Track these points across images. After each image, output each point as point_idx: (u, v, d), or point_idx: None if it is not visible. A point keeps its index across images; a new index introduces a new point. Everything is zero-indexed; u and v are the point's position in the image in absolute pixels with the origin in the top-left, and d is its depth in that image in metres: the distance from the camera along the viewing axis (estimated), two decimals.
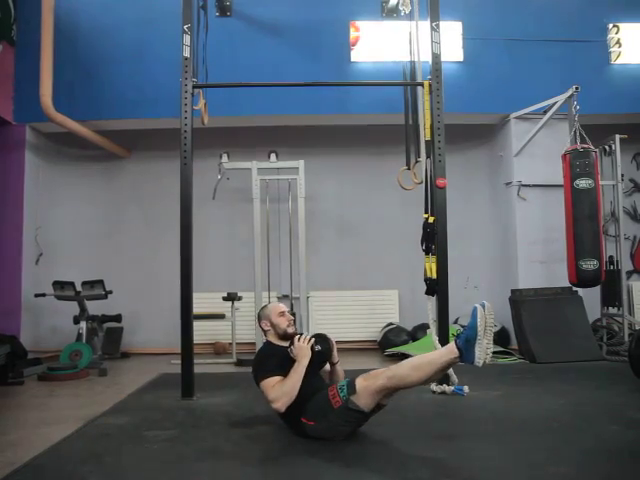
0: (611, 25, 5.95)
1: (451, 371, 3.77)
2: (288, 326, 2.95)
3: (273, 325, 2.97)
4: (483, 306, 2.50)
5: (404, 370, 2.55)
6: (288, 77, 5.36)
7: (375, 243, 6.50)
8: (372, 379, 2.57)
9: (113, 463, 2.45)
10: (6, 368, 4.48)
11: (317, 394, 2.73)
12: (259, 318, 3.05)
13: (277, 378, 2.71)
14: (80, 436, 2.91)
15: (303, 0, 5.94)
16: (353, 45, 5.86)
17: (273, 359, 2.82)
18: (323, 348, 2.86)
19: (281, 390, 2.65)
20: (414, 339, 5.90)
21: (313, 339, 2.84)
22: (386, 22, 5.88)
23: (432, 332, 3.89)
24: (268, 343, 3.00)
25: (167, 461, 2.48)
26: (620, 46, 5.92)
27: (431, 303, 3.92)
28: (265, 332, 3.02)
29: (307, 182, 5.73)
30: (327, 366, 3.02)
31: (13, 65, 5.85)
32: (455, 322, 6.11)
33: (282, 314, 2.99)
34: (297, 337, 2.83)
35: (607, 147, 5.88)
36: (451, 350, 2.51)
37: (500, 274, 6.30)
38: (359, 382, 2.58)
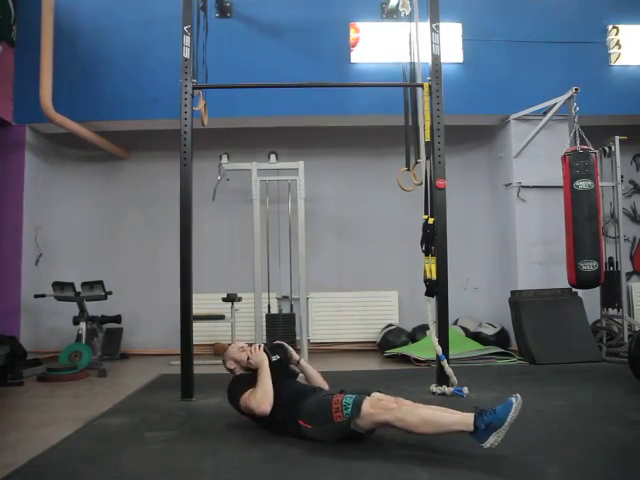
0: (611, 26, 5.96)
1: (450, 372, 3.78)
2: (248, 363, 3.03)
3: (237, 362, 3.10)
4: (517, 401, 2.40)
5: (414, 419, 2.47)
6: (288, 78, 5.36)
7: (375, 244, 6.51)
8: (380, 410, 2.51)
9: (113, 464, 2.45)
10: (6, 369, 4.47)
11: (312, 396, 2.77)
12: (224, 362, 3.17)
13: (250, 390, 2.85)
14: (80, 437, 2.91)
15: (303, 1, 5.95)
16: (353, 46, 5.87)
17: (242, 381, 2.98)
18: (280, 355, 3.07)
19: (258, 395, 2.79)
20: (414, 340, 5.90)
21: (263, 345, 3.06)
22: (386, 23, 5.88)
23: (432, 333, 3.89)
24: (237, 376, 3.10)
25: (167, 462, 2.48)
26: (620, 47, 5.93)
27: (431, 304, 3.92)
28: (232, 371, 3.13)
29: (307, 183, 5.74)
30: (301, 374, 3.17)
31: (13, 66, 5.85)
32: (455, 323, 6.12)
33: (242, 349, 3.12)
34: (249, 349, 3.04)
35: (607, 148, 5.89)
36: (468, 424, 2.39)
37: (500, 275, 6.30)
38: (366, 407, 2.53)
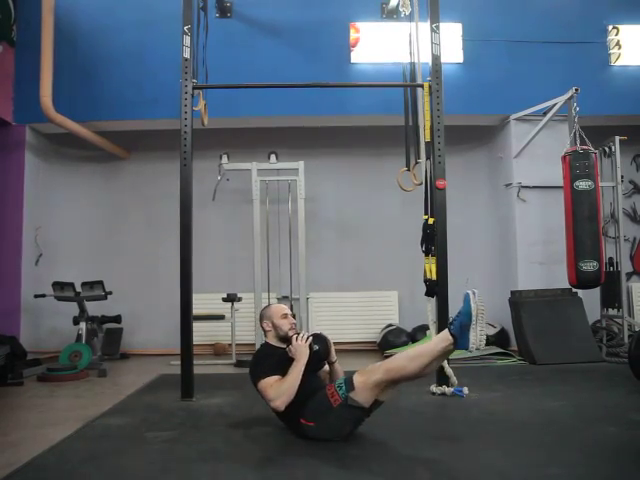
0: (611, 27, 5.95)
1: (450, 372, 3.78)
2: (290, 329, 2.92)
3: (275, 326, 2.93)
4: (474, 293, 2.57)
5: (400, 362, 2.58)
6: (288, 78, 5.36)
7: (375, 244, 6.50)
8: (369, 374, 2.59)
9: (113, 464, 2.45)
10: (6, 369, 4.47)
11: (315, 394, 2.73)
12: (261, 318, 3.02)
13: (275, 377, 2.70)
14: (80, 437, 2.91)
15: (303, 1, 5.95)
16: (353, 46, 5.86)
17: (271, 359, 2.81)
18: (321, 348, 2.84)
19: (280, 389, 2.65)
20: (414, 340, 5.90)
21: (311, 338, 2.83)
22: (386, 23, 5.88)
23: (432, 333, 3.89)
24: (266, 344, 2.97)
25: (167, 462, 2.47)
26: (620, 48, 5.92)
27: (431, 304, 3.92)
28: (266, 332, 2.98)
29: (307, 183, 5.74)
30: (326, 366, 3.00)
31: (13, 66, 5.85)
32: None
33: (285, 316, 2.96)
34: (295, 336, 2.82)
35: (607, 148, 5.89)
36: (445, 337, 2.53)
37: (500, 275, 6.30)
38: (356, 378, 2.60)
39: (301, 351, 2.75)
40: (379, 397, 2.62)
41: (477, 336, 2.44)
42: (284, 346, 2.87)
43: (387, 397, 2.66)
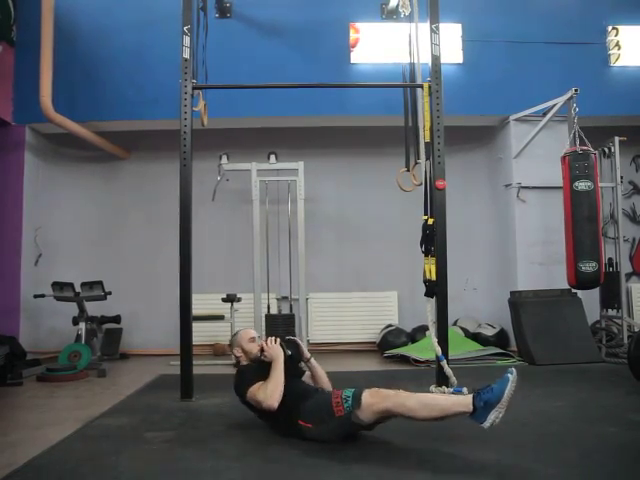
0: (610, 27, 5.96)
1: (450, 373, 3.77)
2: (259, 351, 2.99)
3: (245, 352, 3.04)
4: (512, 374, 2.44)
5: (413, 404, 2.51)
6: (288, 78, 5.36)
7: (374, 244, 6.50)
8: (379, 399, 2.54)
9: (112, 464, 2.45)
10: (5, 369, 4.47)
11: (314, 396, 2.77)
12: (231, 347, 3.13)
13: (259, 383, 2.80)
14: (79, 437, 2.91)
15: (303, 1, 5.95)
16: (353, 47, 5.87)
17: (250, 371, 2.94)
18: (293, 351, 2.99)
19: (267, 389, 2.73)
20: (413, 341, 5.90)
21: (279, 339, 2.97)
22: (386, 24, 5.88)
23: (431, 334, 3.89)
24: (243, 365, 3.06)
25: (166, 462, 2.47)
26: (619, 48, 5.93)
27: (430, 305, 3.91)
28: (238, 359, 3.09)
29: (306, 183, 5.74)
30: (308, 372, 3.12)
31: (13, 66, 5.85)
32: (454, 324, 6.12)
33: (252, 339, 3.07)
34: (264, 342, 2.95)
35: (606, 149, 5.90)
36: (466, 404, 2.43)
37: (499, 276, 6.30)
38: (365, 398, 2.56)
39: (275, 352, 2.87)
40: (381, 421, 2.63)
41: (496, 416, 2.35)
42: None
43: (388, 420, 2.65)
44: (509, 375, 2.42)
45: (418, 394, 2.60)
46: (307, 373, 3.14)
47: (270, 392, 2.71)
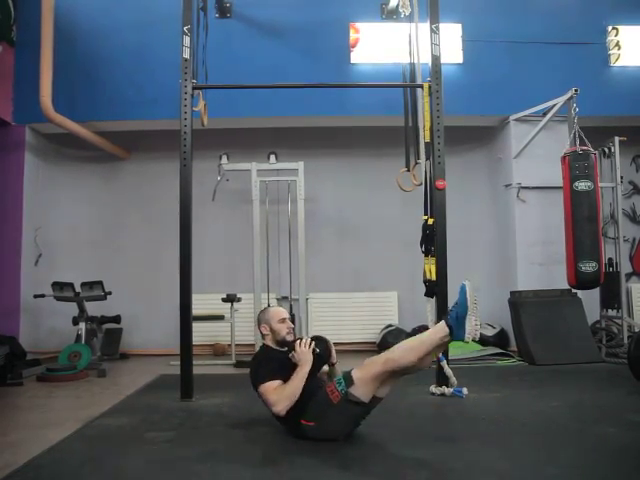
0: (610, 27, 5.96)
1: (450, 373, 3.78)
2: (287, 334, 2.92)
3: (272, 331, 2.94)
4: (465, 282, 2.65)
5: (398, 353, 2.60)
6: (288, 78, 5.37)
7: (374, 244, 6.50)
8: (367, 367, 2.61)
9: (112, 464, 2.45)
10: (5, 369, 4.47)
11: (315, 395, 2.73)
12: (259, 321, 3.01)
13: (277, 382, 2.70)
14: (79, 437, 2.91)
15: (303, 1, 5.95)
16: (353, 47, 5.87)
17: (272, 363, 2.80)
18: (321, 350, 2.84)
19: (282, 394, 2.65)
20: None
21: (313, 342, 2.82)
22: (386, 24, 5.88)
23: None
24: (266, 347, 2.96)
25: (166, 462, 2.47)
26: (619, 48, 5.93)
27: (430, 305, 3.92)
28: (263, 336, 2.98)
29: (306, 183, 5.74)
30: (325, 367, 3.00)
31: (13, 66, 5.85)
32: None
33: (283, 320, 2.96)
34: (298, 342, 2.81)
35: (606, 149, 5.90)
36: (442, 328, 2.59)
37: (499, 276, 6.30)
38: (355, 373, 2.61)
39: (306, 358, 2.73)
40: (378, 393, 2.63)
41: (472, 326, 2.51)
42: (284, 349, 2.88)
43: (385, 393, 2.67)
44: (463, 283, 2.62)
45: (397, 344, 2.69)
46: (324, 368, 3.00)
47: (284, 398, 2.62)
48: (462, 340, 2.53)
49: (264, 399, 2.72)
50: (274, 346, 2.95)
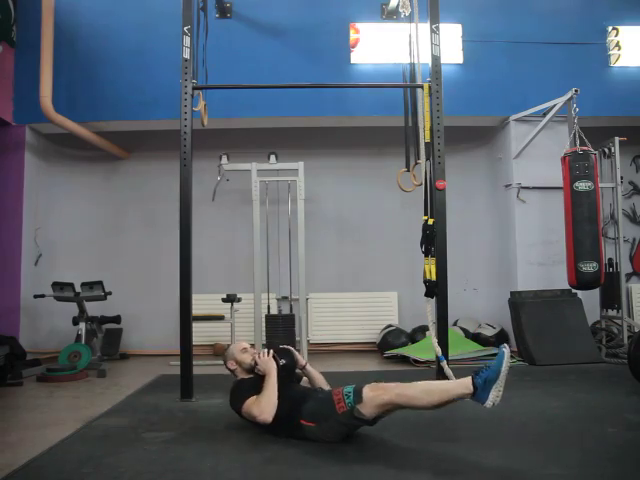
0: (610, 28, 5.95)
1: (450, 373, 3.78)
2: (252, 360, 3.01)
3: (239, 363, 3.06)
4: (506, 348, 2.46)
5: (415, 392, 2.53)
6: (288, 79, 5.37)
7: (375, 245, 6.51)
8: (380, 391, 2.55)
9: (112, 464, 2.45)
10: (5, 369, 4.47)
11: (314, 396, 2.79)
12: (225, 362, 3.13)
13: (252, 397, 2.80)
14: (79, 437, 2.91)
15: (303, 2, 5.95)
16: (353, 47, 5.86)
17: (243, 386, 2.95)
18: (287, 360, 2.99)
19: (261, 403, 2.74)
20: (413, 341, 5.90)
21: (272, 351, 2.99)
22: (386, 24, 5.88)
23: (431, 334, 3.89)
24: (238, 380, 3.07)
25: (166, 462, 2.47)
26: (619, 49, 5.92)
27: (430, 305, 3.92)
28: (233, 372, 3.10)
29: (307, 184, 5.74)
30: (305, 378, 3.16)
31: (13, 66, 5.84)
32: (454, 324, 6.12)
33: (245, 350, 3.09)
34: (257, 355, 2.98)
35: (606, 149, 5.90)
36: (466, 385, 2.44)
37: (499, 276, 6.30)
38: (366, 392, 2.57)
39: (268, 365, 2.88)
40: (383, 414, 2.62)
41: (496, 394, 2.38)
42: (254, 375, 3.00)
43: (389, 415, 2.66)
44: (503, 349, 2.45)
45: (418, 382, 2.62)
46: (304, 379, 3.18)
47: (263, 406, 2.72)
48: (482, 404, 2.40)
49: (249, 416, 2.79)
50: (246, 376, 3.05)
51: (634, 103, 5.88)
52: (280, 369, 2.90)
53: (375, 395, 2.55)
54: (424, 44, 4.18)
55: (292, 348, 3.15)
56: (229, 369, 3.11)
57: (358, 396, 2.57)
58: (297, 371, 3.16)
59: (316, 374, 3.17)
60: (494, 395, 2.38)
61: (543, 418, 3.12)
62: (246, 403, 2.80)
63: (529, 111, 5.73)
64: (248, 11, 5.89)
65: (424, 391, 2.53)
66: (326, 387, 3.09)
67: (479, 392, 2.40)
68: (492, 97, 5.88)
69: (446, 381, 2.59)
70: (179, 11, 3.95)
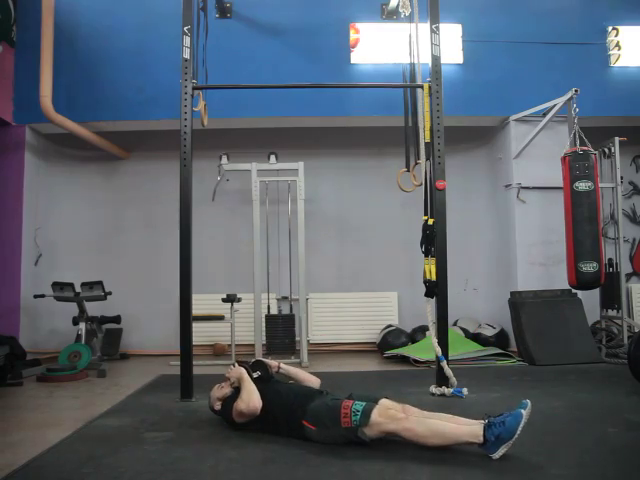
0: (610, 28, 5.96)
1: (450, 373, 3.78)
2: (229, 384, 3.06)
3: (222, 399, 3.08)
4: (525, 409, 2.41)
5: (423, 430, 2.48)
6: (288, 79, 5.37)
7: (374, 245, 6.50)
8: (389, 419, 2.51)
9: (112, 464, 2.45)
10: (5, 369, 4.47)
11: (320, 398, 2.79)
12: (212, 407, 3.14)
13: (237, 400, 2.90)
14: (79, 437, 2.91)
15: (303, 2, 5.95)
16: (353, 47, 5.86)
17: (228, 401, 2.99)
18: (261, 371, 3.10)
19: (243, 397, 2.83)
20: (413, 341, 5.90)
21: (236, 363, 3.13)
22: (386, 24, 5.88)
23: (431, 334, 3.89)
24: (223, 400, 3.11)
25: (166, 462, 2.47)
26: (619, 49, 5.92)
27: (430, 305, 3.91)
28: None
29: (307, 184, 5.74)
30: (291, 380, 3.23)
31: (13, 66, 5.85)
32: (454, 324, 6.12)
33: (221, 386, 3.12)
34: (228, 373, 3.08)
35: (606, 149, 5.89)
36: (477, 435, 2.39)
37: (499, 276, 6.30)
38: (375, 416, 2.53)
39: (238, 372, 3.01)
40: (384, 437, 2.62)
41: (506, 450, 2.36)
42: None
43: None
44: (522, 411, 2.39)
45: (428, 419, 2.56)
46: (291, 381, 3.23)
47: (246, 398, 2.82)
48: (489, 455, 2.37)
49: (240, 415, 2.85)
50: None
51: (634, 103, 5.89)
52: (256, 381, 2.98)
53: (383, 422, 2.51)
54: (424, 44, 4.18)
55: (261, 358, 3.26)
56: (216, 410, 3.10)
57: (366, 417, 2.53)
58: (279, 376, 3.23)
59: (295, 370, 3.27)
60: (504, 451, 2.36)
61: (543, 418, 3.11)
62: (233, 408, 2.86)
63: (529, 111, 5.73)
64: (248, 11, 5.89)
65: (434, 433, 2.46)
66: (315, 382, 3.21)
67: (489, 445, 2.37)
68: (492, 97, 5.88)
69: (457, 425, 2.49)
70: (179, 11, 3.95)
